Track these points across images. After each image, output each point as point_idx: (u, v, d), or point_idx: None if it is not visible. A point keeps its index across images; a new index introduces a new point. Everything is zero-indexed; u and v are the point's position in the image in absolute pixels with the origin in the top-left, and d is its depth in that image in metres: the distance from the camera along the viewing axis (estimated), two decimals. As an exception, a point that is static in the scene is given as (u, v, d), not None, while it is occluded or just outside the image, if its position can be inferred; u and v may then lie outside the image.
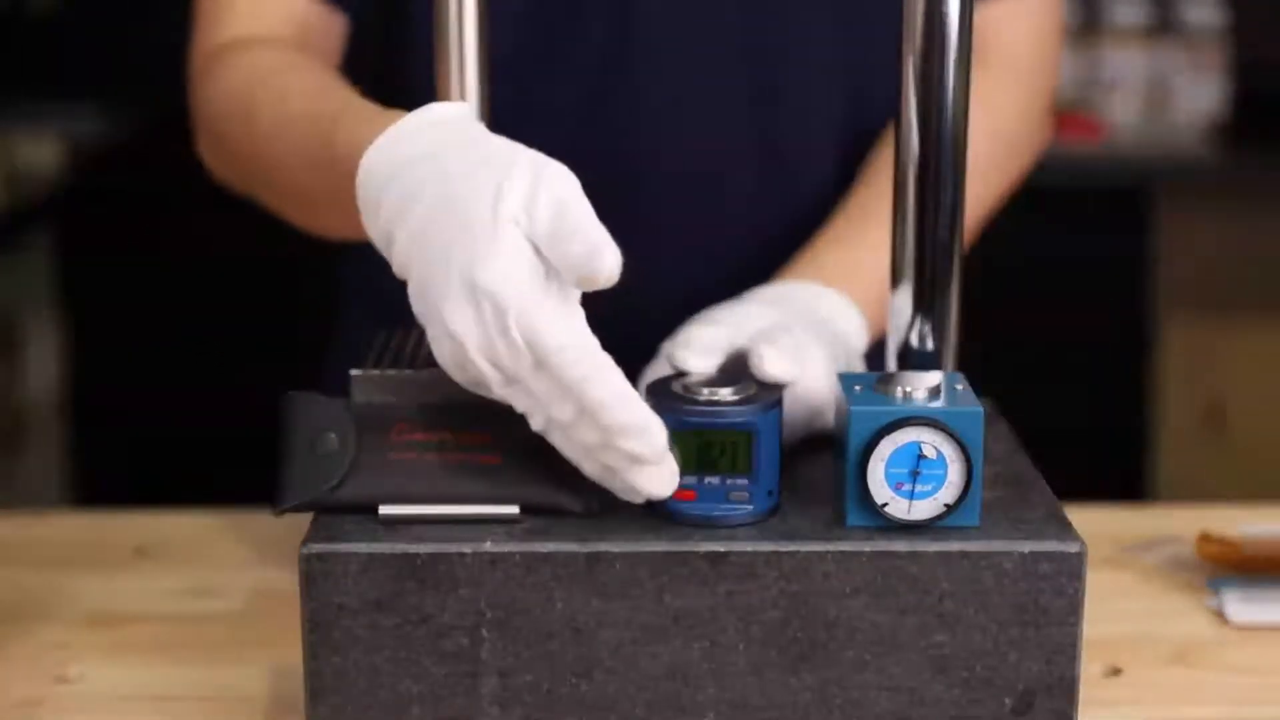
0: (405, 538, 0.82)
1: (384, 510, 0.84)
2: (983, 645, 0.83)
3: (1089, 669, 0.96)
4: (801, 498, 0.87)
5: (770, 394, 0.86)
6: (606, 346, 0.80)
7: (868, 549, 0.82)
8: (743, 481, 0.84)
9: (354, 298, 1.27)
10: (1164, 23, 2.82)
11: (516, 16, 1.13)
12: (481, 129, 0.85)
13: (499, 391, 0.81)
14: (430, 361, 0.83)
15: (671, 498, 0.83)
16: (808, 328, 0.96)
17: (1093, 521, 0.97)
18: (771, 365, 0.89)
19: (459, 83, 0.93)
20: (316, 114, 0.95)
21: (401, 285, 0.82)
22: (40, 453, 2.91)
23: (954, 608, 0.82)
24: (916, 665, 0.83)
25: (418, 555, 0.82)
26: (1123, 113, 2.80)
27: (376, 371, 0.88)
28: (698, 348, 0.91)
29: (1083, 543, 0.83)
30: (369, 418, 0.86)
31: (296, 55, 1.09)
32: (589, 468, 0.82)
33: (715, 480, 0.84)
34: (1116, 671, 0.98)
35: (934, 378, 0.85)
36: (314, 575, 0.82)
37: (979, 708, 0.83)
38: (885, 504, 0.83)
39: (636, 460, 0.81)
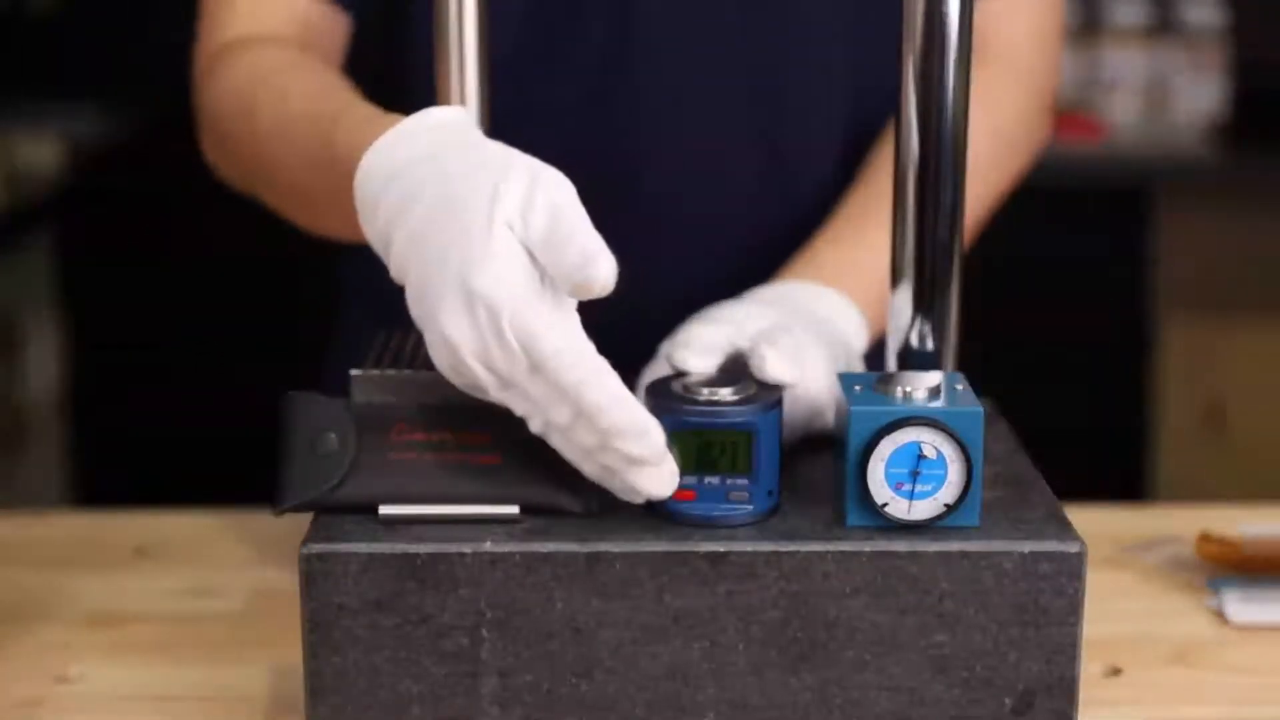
0: (405, 538, 0.82)
1: (384, 510, 0.84)
2: (983, 645, 0.83)
3: (1089, 669, 0.96)
4: (801, 498, 0.87)
5: (770, 394, 0.86)
6: (606, 346, 0.80)
7: (868, 549, 0.82)
8: (743, 481, 0.84)
9: (354, 298, 1.27)
10: (1164, 23, 2.82)
11: (516, 16, 1.13)
12: (479, 133, 0.86)
13: (496, 395, 0.81)
14: (430, 362, 0.83)
15: (671, 498, 0.83)
16: (807, 328, 0.96)
17: (1093, 521, 0.97)
18: (773, 367, 0.88)
19: (459, 83, 0.93)
20: (316, 114, 0.95)
21: (401, 286, 0.83)
22: (40, 453, 2.91)
23: (954, 608, 0.82)
24: (916, 665, 0.83)
25: (418, 555, 0.82)
26: (1123, 113, 2.80)
27: (376, 371, 0.88)
28: (697, 348, 0.91)
29: (1083, 543, 0.83)
30: (369, 418, 0.86)
31: (299, 55, 1.09)
32: (588, 469, 0.82)
33: (715, 480, 0.84)
34: (1116, 671, 0.98)
35: (934, 378, 0.85)
36: (314, 575, 0.82)
37: (979, 708, 0.83)
38: (885, 504, 0.83)
39: (635, 462, 0.81)
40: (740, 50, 1.15)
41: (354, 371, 0.88)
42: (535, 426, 0.82)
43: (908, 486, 0.83)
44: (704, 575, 0.82)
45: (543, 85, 1.15)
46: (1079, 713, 0.84)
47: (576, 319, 0.80)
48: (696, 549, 0.82)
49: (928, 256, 0.86)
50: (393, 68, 1.16)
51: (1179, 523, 1.16)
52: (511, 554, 0.82)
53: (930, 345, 0.87)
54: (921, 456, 0.83)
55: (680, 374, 0.88)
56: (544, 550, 0.82)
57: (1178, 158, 2.72)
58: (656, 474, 0.82)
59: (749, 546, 0.82)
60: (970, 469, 0.83)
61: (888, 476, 0.83)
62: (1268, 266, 2.82)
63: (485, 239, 0.78)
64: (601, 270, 0.77)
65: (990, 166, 1.15)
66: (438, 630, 0.82)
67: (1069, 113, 2.69)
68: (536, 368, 0.79)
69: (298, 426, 0.86)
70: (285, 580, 1.06)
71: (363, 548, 0.82)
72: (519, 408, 0.81)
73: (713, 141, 1.16)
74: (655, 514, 0.84)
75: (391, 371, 0.88)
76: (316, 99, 0.98)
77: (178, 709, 0.94)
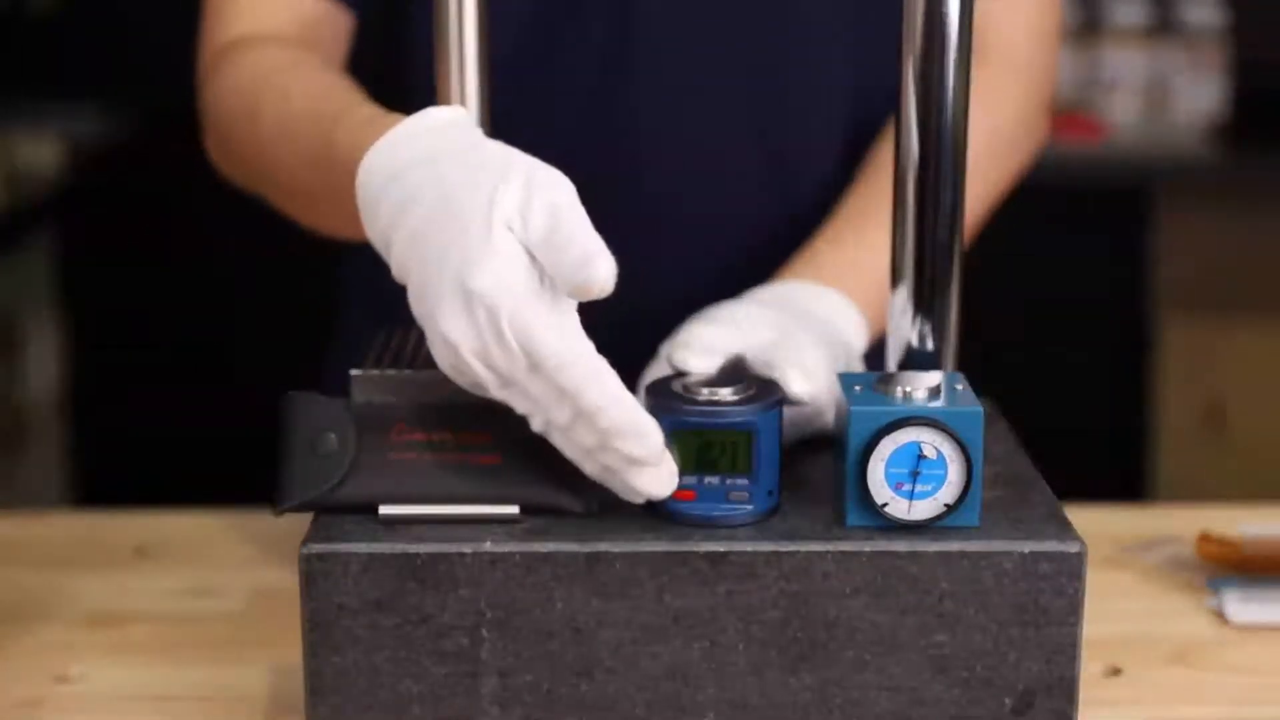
0: (405, 538, 0.82)
1: (384, 510, 0.84)
2: (983, 645, 0.83)
3: (1089, 669, 0.96)
4: (801, 498, 0.87)
5: (770, 394, 0.86)
6: (606, 346, 0.80)
7: (868, 549, 0.82)
8: (743, 481, 0.84)
9: (354, 298, 1.27)
10: (1164, 23, 2.82)
11: (516, 17, 1.13)
12: (479, 134, 0.86)
13: (497, 394, 0.81)
14: (430, 361, 0.83)
15: (671, 498, 0.83)
16: (807, 328, 0.96)
17: (1093, 521, 0.97)
18: (798, 386, 0.90)
19: (459, 83, 0.93)
20: (318, 114, 0.95)
21: (402, 285, 0.83)
22: (40, 453, 2.91)
23: (954, 608, 0.82)
24: (916, 665, 0.83)
25: (418, 555, 0.82)
26: (1123, 113, 2.80)
27: (376, 371, 0.88)
28: (697, 348, 0.91)
29: (1083, 543, 0.83)
30: (369, 418, 0.86)
31: (302, 53, 1.09)
32: (589, 467, 0.82)
33: (715, 480, 0.84)
34: (1116, 671, 0.98)
35: (934, 378, 0.85)
36: (314, 575, 0.82)
37: (979, 708, 0.83)
38: (885, 504, 0.83)
39: (634, 462, 0.81)
40: (740, 50, 1.15)
41: (354, 371, 0.88)
42: (537, 425, 0.82)
43: (908, 486, 0.83)
44: (704, 575, 0.82)
45: (543, 85, 1.15)
46: (1079, 713, 0.84)
47: (576, 319, 0.80)
48: (696, 549, 0.82)
49: (928, 256, 0.86)
50: (393, 67, 1.16)
51: (1179, 523, 1.16)
52: (511, 554, 0.82)
53: (930, 345, 0.87)
54: (921, 456, 0.83)
55: (680, 374, 0.89)
56: (544, 550, 0.82)
57: (1178, 158, 2.72)
58: (655, 474, 0.82)
59: (749, 546, 0.82)
60: (970, 469, 0.83)
61: (888, 476, 0.83)
62: (1268, 266, 2.82)
63: (484, 239, 0.78)
64: (601, 271, 0.77)
65: (990, 166, 1.15)
66: (438, 630, 0.82)
67: (1069, 113, 2.68)
68: (535, 368, 0.79)
69: (298, 426, 0.86)
70: (285, 580, 1.06)
71: (363, 548, 0.82)
72: (520, 406, 0.81)
73: (713, 141, 1.16)
74: (655, 514, 0.84)
75: (391, 371, 0.88)
76: (318, 98, 0.98)
77: (178, 709, 0.94)
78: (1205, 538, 1.08)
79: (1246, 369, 2.85)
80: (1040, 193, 1.48)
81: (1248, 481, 2.73)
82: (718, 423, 0.84)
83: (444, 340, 0.79)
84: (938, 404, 0.84)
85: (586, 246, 0.78)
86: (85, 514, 1.24)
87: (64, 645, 1.01)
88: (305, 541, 0.82)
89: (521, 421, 0.82)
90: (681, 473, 0.83)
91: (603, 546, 0.82)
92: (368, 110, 0.92)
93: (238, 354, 2.70)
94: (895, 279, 0.87)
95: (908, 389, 0.84)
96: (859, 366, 1.00)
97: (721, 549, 0.82)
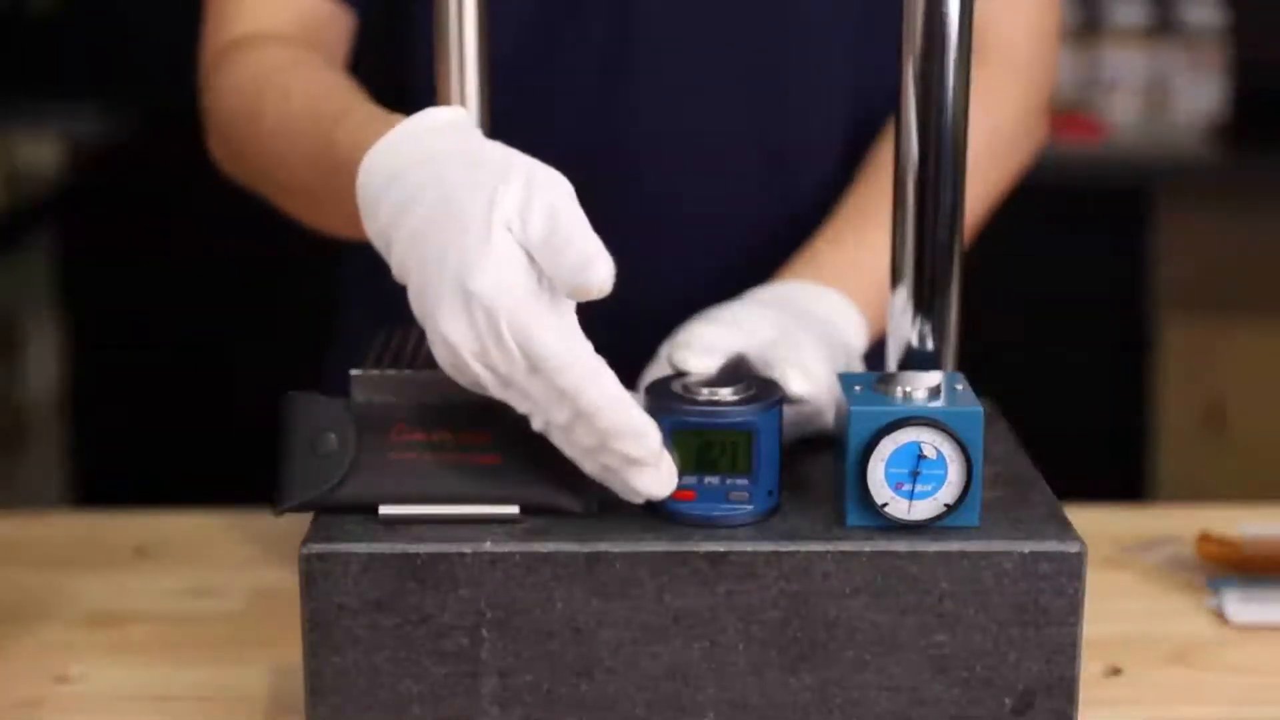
0: (405, 538, 0.82)
1: (384, 510, 0.84)
2: (983, 645, 0.83)
3: (1089, 669, 0.96)
4: (801, 498, 0.87)
5: (770, 394, 0.86)
6: (606, 346, 0.80)
7: (868, 549, 0.82)
8: (743, 481, 0.84)
9: (354, 298, 1.27)
10: (1164, 23, 2.82)
11: (516, 17, 1.13)
12: (479, 134, 0.86)
13: (497, 393, 0.81)
14: (430, 361, 0.83)
15: (671, 498, 0.83)
16: (807, 328, 0.97)
17: (1093, 521, 0.97)
18: (798, 385, 0.90)
19: (459, 83, 0.93)
20: (319, 114, 0.95)
21: (402, 285, 0.83)
22: (40, 453, 2.91)
23: (954, 608, 0.82)
24: (916, 665, 0.83)
25: (418, 555, 0.82)
26: (1123, 113, 2.80)
27: (376, 371, 0.88)
28: (697, 348, 0.91)
29: (1083, 543, 0.83)
30: (369, 418, 0.86)
31: (303, 52, 1.09)
32: (589, 467, 0.82)
33: (715, 480, 0.84)
34: (1116, 671, 0.98)
35: (934, 378, 0.85)
36: (314, 575, 0.82)
37: (979, 708, 0.83)
38: (885, 504, 0.83)
39: (633, 462, 0.81)
40: (740, 50, 1.15)
41: (354, 371, 0.88)
42: (537, 425, 0.82)
43: (908, 486, 0.83)
44: (704, 575, 0.82)
45: (543, 85, 1.15)
46: (1079, 713, 0.84)
47: (575, 320, 0.80)
48: (696, 549, 0.82)
49: (928, 256, 0.86)
50: (395, 67, 1.16)
51: (1179, 523, 1.16)
52: (511, 554, 0.82)
53: (930, 345, 0.87)
54: (921, 456, 0.83)
55: (680, 374, 0.89)
56: (544, 550, 0.82)
57: (1178, 158, 2.72)
58: (655, 474, 0.82)
59: (749, 546, 0.82)
60: (970, 469, 0.83)
61: (888, 476, 0.83)
62: (1268, 266, 2.82)
63: (483, 240, 0.78)
64: (599, 272, 0.77)
65: (990, 166, 1.15)
66: (438, 630, 0.82)
67: (1069, 113, 2.68)
68: (534, 369, 0.79)
69: (298, 426, 0.86)
70: (285, 580, 1.06)
71: (363, 548, 0.82)
72: (520, 406, 0.81)
73: (712, 141, 1.16)
74: (655, 514, 0.84)
75: (391, 371, 0.88)
76: (319, 98, 0.98)
77: (178, 709, 0.94)
78: (1205, 538, 1.08)
79: (1246, 369, 2.85)
80: (1040, 193, 1.48)
81: (1248, 481, 2.74)
82: (718, 423, 0.84)
83: (444, 341, 0.79)
84: (938, 404, 0.84)
85: (585, 248, 0.78)
86: (85, 514, 1.24)
87: (64, 645, 1.01)
88: (305, 541, 0.82)
89: (521, 421, 0.82)
90: (681, 473, 0.83)
91: (603, 546, 0.82)
92: (368, 110, 0.92)
93: (238, 354, 2.70)
94: (895, 279, 0.87)
95: (908, 389, 0.84)
96: (859, 366, 1.00)
97: (721, 549, 0.82)
